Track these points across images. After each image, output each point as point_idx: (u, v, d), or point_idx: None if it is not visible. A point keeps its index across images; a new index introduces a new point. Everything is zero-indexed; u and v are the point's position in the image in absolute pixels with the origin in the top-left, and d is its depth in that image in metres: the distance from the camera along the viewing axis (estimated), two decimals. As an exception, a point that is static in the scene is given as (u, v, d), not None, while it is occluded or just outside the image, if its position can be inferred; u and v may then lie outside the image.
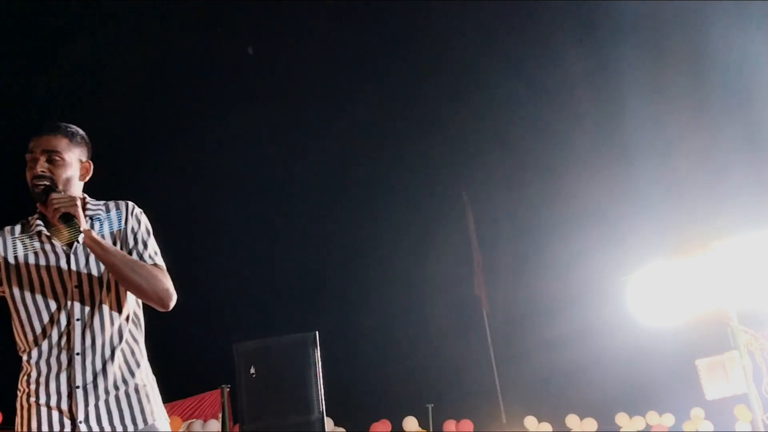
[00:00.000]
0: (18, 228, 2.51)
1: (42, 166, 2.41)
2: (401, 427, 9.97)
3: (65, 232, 2.39)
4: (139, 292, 2.44)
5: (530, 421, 10.33)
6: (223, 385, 8.77)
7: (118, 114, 10.75)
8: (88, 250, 2.41)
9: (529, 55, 11.24)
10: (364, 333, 11.61)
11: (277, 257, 11.97)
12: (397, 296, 11.64)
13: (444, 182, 12.22)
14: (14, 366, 2.54)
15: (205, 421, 8.90)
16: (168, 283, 2.48)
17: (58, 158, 2.44)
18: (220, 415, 8.73)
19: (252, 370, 6.38)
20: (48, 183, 2.40)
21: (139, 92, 11.01)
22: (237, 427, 7.46)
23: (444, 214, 12.18)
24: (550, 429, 10.28)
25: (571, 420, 10.33)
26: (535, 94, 11.34)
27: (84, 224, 2.37)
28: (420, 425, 10.04)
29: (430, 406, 10.07)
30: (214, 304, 10.68)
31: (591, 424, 10.32)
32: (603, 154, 10.99)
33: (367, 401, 10.79)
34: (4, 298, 2.47)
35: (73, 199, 2.37)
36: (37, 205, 2.43)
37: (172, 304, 2.49)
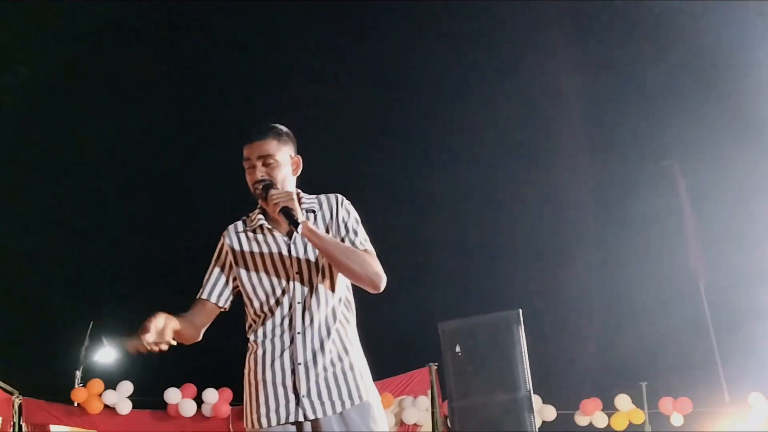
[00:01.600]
0: (240, 224, 2.80)
1: (260, 171, 2.67)
2: (613, 405, 9.71)
3: (285, 224, 2.65)
4: (352, 275, 2.65)
5: (756, 398, 9.66)
6: (430, 363, 9.02)
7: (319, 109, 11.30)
8: (305, 239, 2.64)
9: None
10: (571, 309, 11.40)
11: (479, 235, 12.04)
12: (603, 271, 11.31)
13: (651, 149, 11.63)
14: (242, 348, 2.82)
15: (414, 397, 9.18)
16: (378, 266, 2.68)
17: (272, 161, 2.68)
18: (429, 392, 8.99)
19: (457, 349, 6.53)
20: (268, 184, 2.66)
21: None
22: (446, 404, 7.64)
23: (652, 184, 11.63)
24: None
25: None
26: (751, 38, 10.43)
27: (301, 216, 2.61)
28: (633, 403, 9.72)
29: (643, 384, 9.74)
30: (419, 284, 10.94)
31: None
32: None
33: (576, 379, 10.60)
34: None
35: (289, 193, 2.62)
36: (259, 201, 2.69)
37: (383, 285, 2.67)
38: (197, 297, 2.77)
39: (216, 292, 2.75)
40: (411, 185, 11.86)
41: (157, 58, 11.07)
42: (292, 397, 2.54)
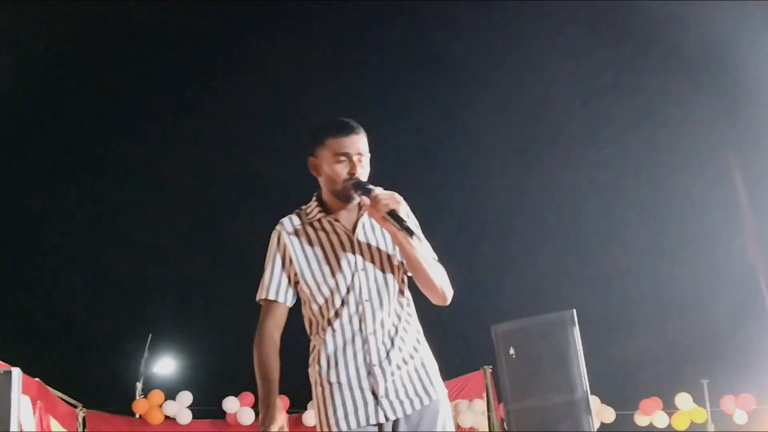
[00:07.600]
0: (296, 217, 2.61)
1: (361, 169, 2.51)
2: (674, 405, 9.54)
3: (347, 217, 2.53)
4: (430, 287, 2.55)
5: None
6: (485, 366, 8.98)
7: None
8: (367, 234, 2.55)
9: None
10: (627, 309, 11.25)
11: (531, 235, 11.96)
12: (660, 270, 11.14)
13: (706, 141, 11.36)
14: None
15: (470, 401, 9.14)
16: (448, 280, 2.59)
17: (365, 161, 2.55)
18: (485, 395, 8.94)
19: (511, 351, 6.47)
20: (365, 183, 2.50)
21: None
22: (502, 407, 7.59)
23: (707, 177, 11.38)
24: None
25: None
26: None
27: (407, 219, 2.45)
28: (694, 402, 9.53)
29: (705, 382, 9.55)
30: (472, 287, 10.91)
31: None
32: None
33: (634, 379, 10.46)
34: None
35: (393, 195, 2.46)
36: (358, 195, 2.49)
37: (450, 300, 2.60)
38: (262, 298, 2.58)
39: (282, 290, 2.56)
40: (463, 189, 11.84)
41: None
42: (370, 398, 2.46)
